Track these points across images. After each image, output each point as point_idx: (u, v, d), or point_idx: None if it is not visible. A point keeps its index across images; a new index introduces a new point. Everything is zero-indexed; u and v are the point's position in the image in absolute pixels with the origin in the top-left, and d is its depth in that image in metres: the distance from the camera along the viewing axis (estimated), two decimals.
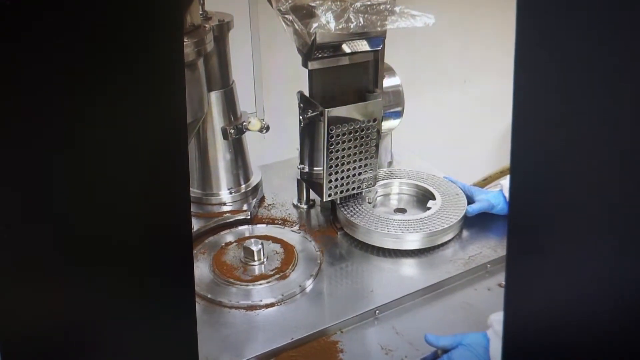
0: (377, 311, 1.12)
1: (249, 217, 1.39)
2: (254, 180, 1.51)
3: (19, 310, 0.57)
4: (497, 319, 0.97)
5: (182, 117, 0.60)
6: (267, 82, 2.00)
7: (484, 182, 2.37)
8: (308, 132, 1.33)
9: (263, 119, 1.43)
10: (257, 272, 1.20)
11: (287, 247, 1.27)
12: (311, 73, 1.24)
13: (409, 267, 1.24)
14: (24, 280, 0.57)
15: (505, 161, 2.41)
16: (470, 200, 1.37)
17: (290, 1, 1.11)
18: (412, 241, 1.25)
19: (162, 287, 0.65)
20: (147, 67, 0.55)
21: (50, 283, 0.58)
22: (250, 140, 1.50)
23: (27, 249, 0.55)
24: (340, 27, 1.10)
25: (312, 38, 1.13)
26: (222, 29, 1.33)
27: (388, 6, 1.14)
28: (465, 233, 1.33)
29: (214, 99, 1.37)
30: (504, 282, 1.20)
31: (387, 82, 1.44)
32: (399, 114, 1.52)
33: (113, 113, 0.55)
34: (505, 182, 1.40)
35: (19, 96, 0.50)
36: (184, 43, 1.09)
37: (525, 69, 0.45)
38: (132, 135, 0.57)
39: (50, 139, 0.53)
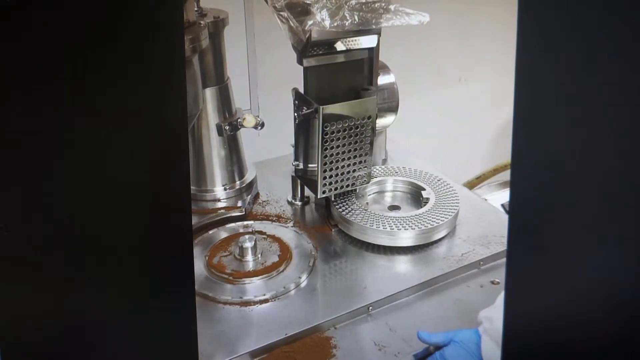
0: (371, 307, 1.12)
1: (243, 213, 1.39)
2: (248, 177, 1.51)
3: (19, 310, 0.57)
4: (486, 316, 0.97)
5: (183, 117, 0.60)
6: (262, 79, 2.00)
7: (478, 180, 2.38)
8: (303, 129, 1.34)
9: (258, 116, 1.43)
10: (251, 268, 1.21)
11: (282, 244, 1.28)
12: (306, 70, 1.25)
13: (402, 264, 1.25)
14: (23, 280, 0.57)
15: (499, 159, 2.42)
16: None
17: None
18: (406, 238, 1.25)
19: (163, 287, 0.65)
20: (148, 64, 0.55)
21: (50, 283, 0.58)
22: (245, 136, 1.51)
23: (27, 248, 0.55)
24: (335, 24, 1.10)
25: (307, 35, 1.14)
26: (217, 26, 1.33)
27: (383, 4, 1.15)
28: (458, 230, 1.34)
29: (209, 95, 1.38)
30: (496, 280, 1.21)
31: (382, 79, 1.45)
32: (393, 112, 1.52)
33: (113, 112, 0.55)
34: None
35: (19, 95, 0.50)
36: None
37: (526, 69, 0.45)
38: (132, 134, 0.57)
39: (50, 138, 0.53)
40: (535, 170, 0.49)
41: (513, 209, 0.51)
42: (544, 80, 0.46)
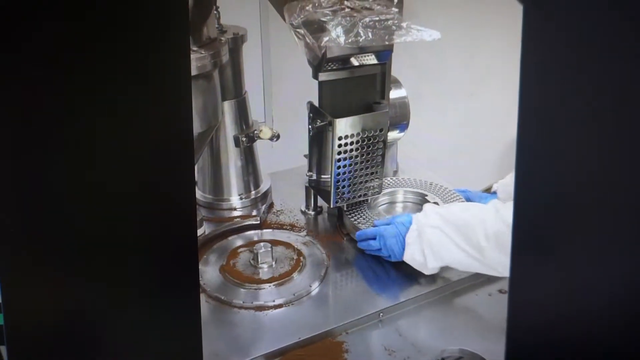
0: (382, 314, 1.16)
1: (258, 222, 1.43)
2: (263, 187, 1.56)
3: (25, 308, 0.58)
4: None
5: (188, 120, 0.60)
6: (277, 93, 2.05)
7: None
8: (317, 141, 1.38)
9: (273, 128, 1.48)
10: (265, 275, 1.24)
11: (295, 252, 1.32)
12: (321, 84, 1.29)
13: (412, 272, 1.27)
14: (28, 279, 0.58)
15: (507, 172, 2.45)
16: None
17: (302, 16, 1.17)
18: None
19: (167, 286, 0.65)
20: (153, 66, 0.56)
21: (54, 281, 0.59)
22: (261, 148, 1.55)
23: (30, 246, 0.57)
24: (350, 41, 1.15)
25: (323, 51, 1.18)
26: (237, 42, 1.38)
27: (396, 21, 1.19)
28: None
29: (227, 108, 1.42)
30: (504, 289, 1.24)
31: (394, 93, 1.49)
32: (404, 125, 1.56)
33: (118, 113, 0.56)
34: (500, 183, 1.45)
35: (23, 96, 0.51)
36: (202, 55, 1.14)
37: (531, 74, 0.47)
38: (136, 134, 0.58)
39: (54, 138, 0.54)
40: (538, 171, 0.49)
41: (517, 208, 0.51)
42: (548, 84, 0.47)
